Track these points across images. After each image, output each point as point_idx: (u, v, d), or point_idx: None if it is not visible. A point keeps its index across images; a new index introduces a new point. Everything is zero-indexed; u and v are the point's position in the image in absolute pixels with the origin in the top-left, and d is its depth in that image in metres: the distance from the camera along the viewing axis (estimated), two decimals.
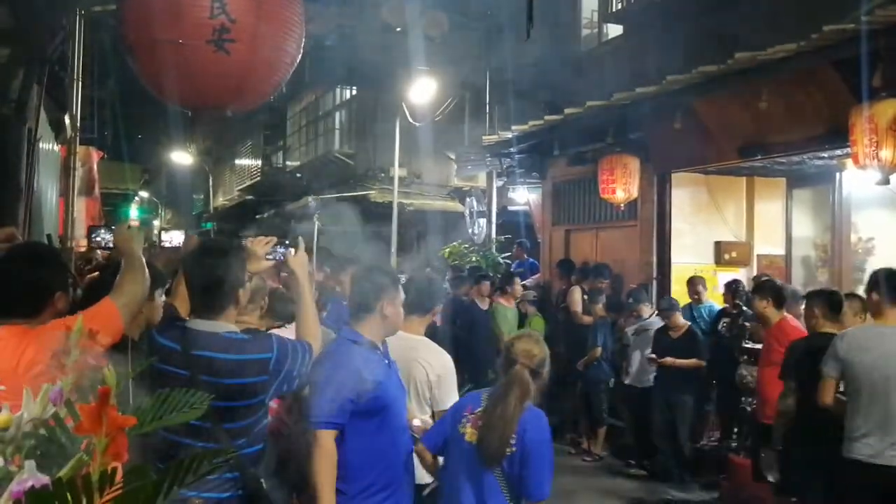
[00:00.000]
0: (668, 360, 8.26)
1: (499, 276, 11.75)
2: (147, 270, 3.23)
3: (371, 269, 3.88)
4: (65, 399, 1.59)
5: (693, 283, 9.48)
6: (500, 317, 9.97)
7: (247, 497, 3.13)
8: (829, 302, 5.69)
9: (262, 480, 3.17)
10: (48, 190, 10.12)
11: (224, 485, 3.05)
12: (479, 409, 3.55)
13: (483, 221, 15.43)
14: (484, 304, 10.05)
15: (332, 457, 3.41)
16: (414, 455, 3.77)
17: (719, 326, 8.72)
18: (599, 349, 9.19)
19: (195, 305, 3.26)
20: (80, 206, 10.98)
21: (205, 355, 3.07)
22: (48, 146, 9.83)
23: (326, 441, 3.42)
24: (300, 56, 5.23)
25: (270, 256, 3.94)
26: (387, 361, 3.71)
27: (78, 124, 9.45)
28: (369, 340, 3.61)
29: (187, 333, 3.15)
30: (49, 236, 8.35)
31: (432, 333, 4.73)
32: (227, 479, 3.06)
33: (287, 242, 4.20)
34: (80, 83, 9.08)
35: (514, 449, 3.44)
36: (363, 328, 3.63)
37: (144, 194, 37.46)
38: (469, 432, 3.53)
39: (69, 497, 1.25)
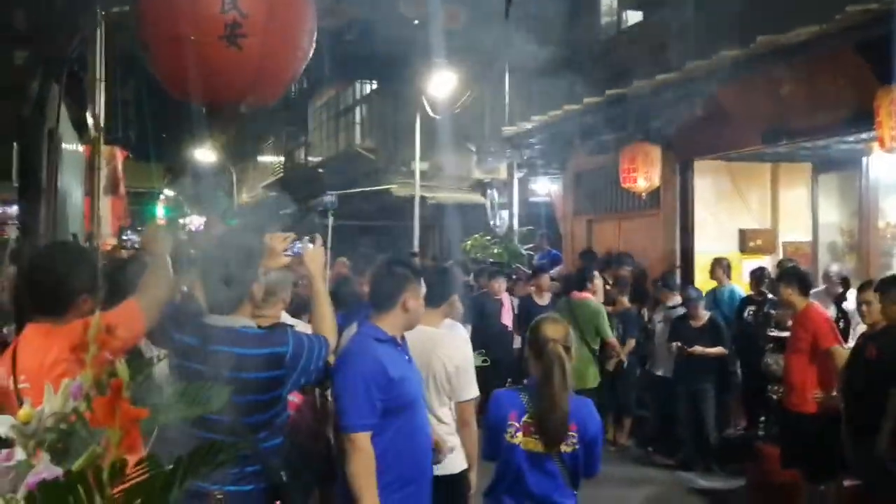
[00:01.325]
0: (698, 349, 8.21)
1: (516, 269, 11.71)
2: (171, 272, 3.24)
3: (392, 263, 3.86)
4: (84, 394, 1.60)
5: (716, 266, 9.41)
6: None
7: (269, 489, 3.14)
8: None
9: (284, 473, 3.17)
10: (73, 190, 10.21)
11: (246, 478, 3.06)
12: (526, 415, 3.46)
13: (505, 213, 15.43)
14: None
15: (371, 458, 3.39)
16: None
17: (745, 314, 8.64)
18: (633, 341, 9.10)
19: (211, 301, 3.26)
20: (106, 206, 11.05)
21: (222, 350, 3.08)
22: (71, 146, 9.92)
23: (364, 443, 3.39)
24: (312, 50, 5.20)
25: (288, 252, 3.96)
26: (407, 357, 3.69)
27: (101, 124, 9.53)
28: (391, 337, 3.60)
29: (205, 329, 3.16)
30: (75, 235, 8.43)
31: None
32: (248, 472, 3.07)
33: (307, 238, 4.21)
34: (103, 83, 9.15)
35: (577, 447, 3.41)
36: (384, 323, 3.61)
37: (170, 193, 37.65)
38: (524, 441, 3.45)
39: (80, 489, 1.25)
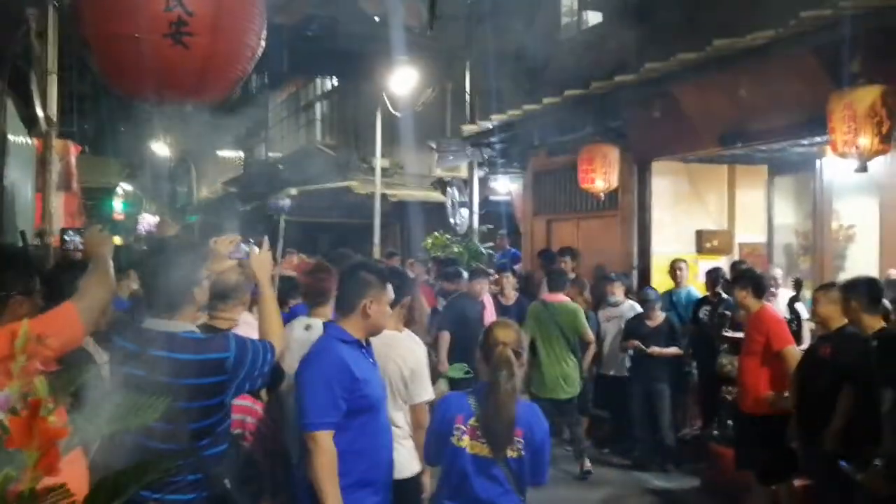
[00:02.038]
0: (656, 349, 8.25)
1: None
2: (112, 275, 3.17)
3: (357, 267, 3.83)
4: (10, 407, 1.54)
5: (674, 266, 9.48)
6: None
7: (212, 499, 3.08)
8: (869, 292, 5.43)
9: (227, 481, 3.11)
10: (22, 186, 10.00)
11: (187, 487, 3.00)
12: (472, 418, 3.43)
13: (465, 212, 15.38)
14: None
15: (333, 457, 3.38)
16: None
17: (700, 315, 8.70)
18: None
19: (150, 305, 3.19)
20: (59, 202, 10.83)
21: (162, 355, 3.01)
22: (20, 141, 9.70)
23: (326, 442, 3.38)
24: (261, 49, 5.13)
25: (235, 255, 3.91)
26: (372, 361, 3.69)
27: (54, 118, 9.32)
28: (356, 339, 3.59)
29: (144, 334, 3.09)
30: (23, 232, 8.25)
31: None
32: (189, 480, 3.01)
33: (251, 240, 4.15)
34: (54, 76, 8.95)
35: (523, 452, 3.39)
36: (348, 325, 3.60)
37: (128, 188, 37.15)
38: (470, 444, 3.42)
39: None
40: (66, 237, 3.60)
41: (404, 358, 4.07)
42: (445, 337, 8.24)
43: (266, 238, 3.68)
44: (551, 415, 7.90)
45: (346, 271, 3.81)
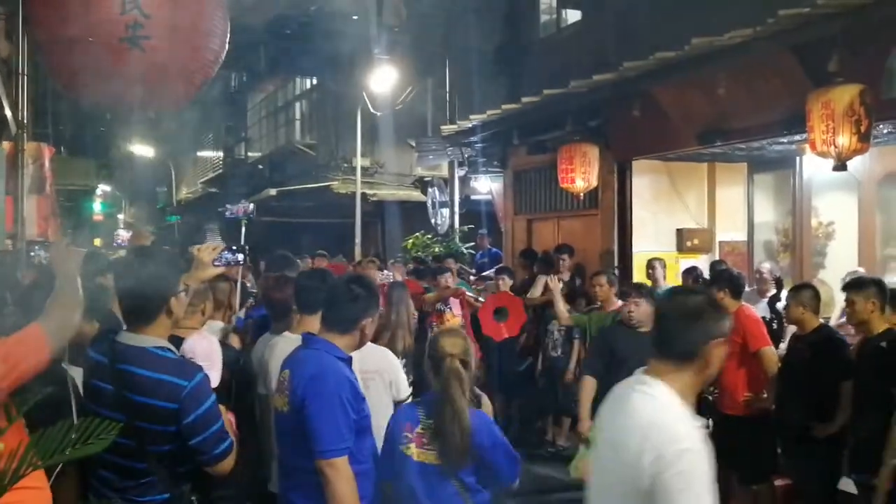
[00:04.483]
0: None
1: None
2: (81, 294, 3.06)
3: (354, 283, 3.63)
4: None
5: (651, 266, 9.39)
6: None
7: None
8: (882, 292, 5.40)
9: (195, 498, 3.03)
10: None
11: None
12: (419, 426, 3.37)
13: (446, 211, 15.33)
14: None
15: (354, 483, 3.26)
16: None
17: None
18: (577, 342, 8.96)
19: (124, 317, 3.10)
20: (31, 205, 10.69)
21: (126, 370, 2.94)
22: None
23: (346, 468, 3.25)
24: (224, 52, 5.03)
25: (218, 262, 3.85)
26: (356, 378, 3.57)
27: (25, 120, 9.19)
28: (349, 357, 3.49)
29: (115, 347, 3.01)
30: None
31: None
32: (156, 501, 2.93)
33: (234, 248, 4.07)
34: (26, 78, 8.82)
35: (471, 460, 3.31)
36: (340, 343, 3.47)
37: (107, 188, 36.88)
38: (416, 452, 3.36)
39: None
40: (32, 252, 3.47)
41: (376, 360, 4.00)
42: None
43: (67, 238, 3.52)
44: None
45: (341, 288, 3.61)
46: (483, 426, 3.38)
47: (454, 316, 8.69)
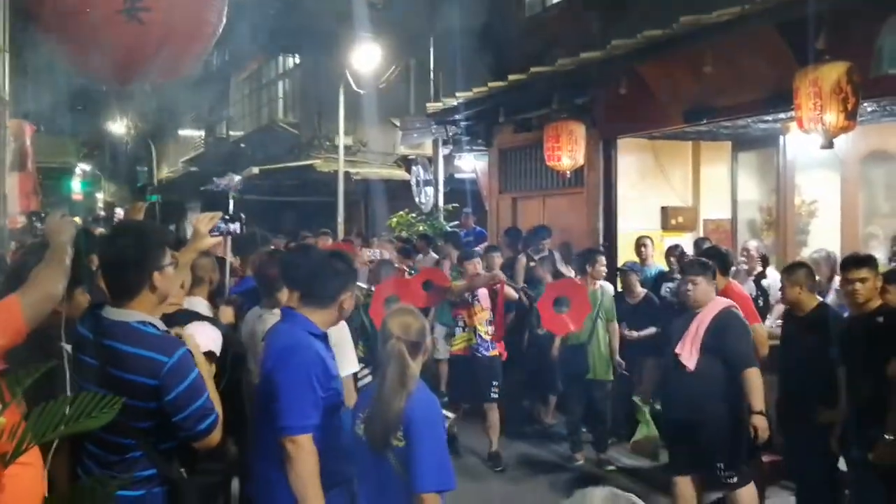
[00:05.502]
0: (633, 335, 8.24)
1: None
2: (69, 267, 3.04)
3: (333, 258, 3.63)
4: None
5: (639, 243, 9.46)
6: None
7: (167, 492, 2.99)
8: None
9: (183, 471, 3.02)
10: None
11: (139, 483, 2.91)
12: (369, 406, 3.32)
13: (430, 190, 15.30)
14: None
15: (316, 460, 3.26)
16: None
17: (662, 291, 8.71)
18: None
19: (109, 291, 3.07)
20: (13, 182, 10.61)
21: (108, 344, 2.91)
22: None
23: (308, 445, 3.26)
24: (222, 25, 4.99)
25: (214, 232, 3.83)
26: (332, 353, 3.57)
27: (6, 97, 9.10)
28: (323, 332, 3.48)
29: (100, 322, 2.98)
30: None
31: None
32: (142, 476, 2.93)
33: (227, 217, 4.05)
34: (6, 54, 8.73)
35: (402, 442, 3.19)
36: (317, 318, 3.47)
37: (87, 167, 36.58)
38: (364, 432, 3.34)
39: None
40: (36, 221, 3.43)
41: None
42: None
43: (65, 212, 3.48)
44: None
45: (320, 262, 3.62)
46: (417, 408, 3.22)
47: (482, 309, 7.84)
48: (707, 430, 5.40)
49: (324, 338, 3.48)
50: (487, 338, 7.86)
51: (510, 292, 8.16)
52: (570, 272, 9.02)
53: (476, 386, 7.88)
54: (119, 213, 27.07)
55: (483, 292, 7.88)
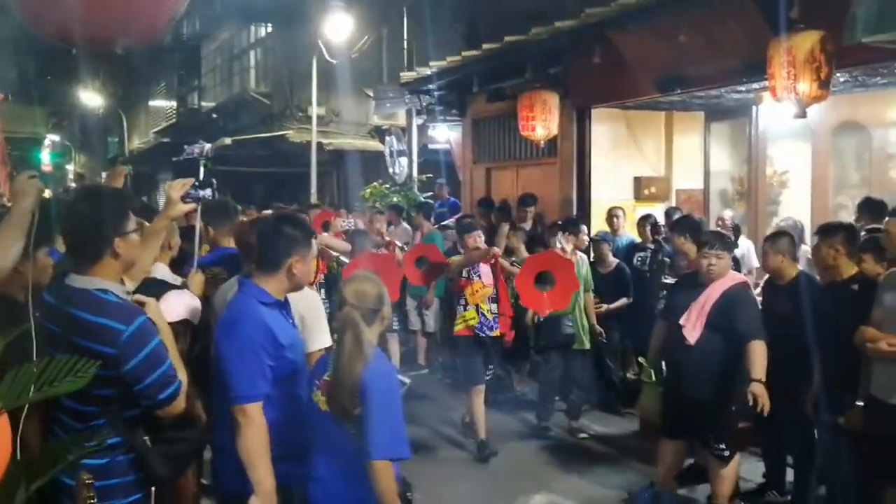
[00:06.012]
0: (604, 307, 8.29)
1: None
2: (25, 229, 2.98)
3: (281, 221, 3.52)
4: None
5: (611, 214, 9.53)
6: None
7: (133, 459, 2.97)
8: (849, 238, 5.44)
9: (147, 439, 2.99)
10: None
11: (103, 451, 2.88)
12: (327, 374, 3.30)
13: (404, 160, 15.22)
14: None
15: (264, 430, 3.22)
16: None
17: (634, 261, 8.76)
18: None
19: (72, 258, 3.01)
20: None
21: (70, 312, 2.86)
22: None
23: (257, 414, 3.22)
24: None
25: (187, 199, 3.79)
26: (291, 321, 3.52)
27: None
28: (276, 300, 3.40)
29: (64, 289, 2.92)
30: None
31: None
32: (107, 444, 2.89)
33: (198, 183, 3.99)
34: None
35: (359, 409, 3.17)
36: (269, 285, 3.39)
37: (56, 138, 36.08)
38: (322, 400, 3.30)
39: None
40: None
41: (294, 303, 3.72)
42: None
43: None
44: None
45: (269, 225, 3.51)
46: (374, 378, 3.20)
47: (484, 286, 7.26)
48: (704, 403, 5.44)
49: (278, 305, 3.40)
50: (491, 317, 7.29)
51: (507, 266, 7.76)
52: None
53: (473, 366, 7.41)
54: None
55: (486, 268, 7.35)
